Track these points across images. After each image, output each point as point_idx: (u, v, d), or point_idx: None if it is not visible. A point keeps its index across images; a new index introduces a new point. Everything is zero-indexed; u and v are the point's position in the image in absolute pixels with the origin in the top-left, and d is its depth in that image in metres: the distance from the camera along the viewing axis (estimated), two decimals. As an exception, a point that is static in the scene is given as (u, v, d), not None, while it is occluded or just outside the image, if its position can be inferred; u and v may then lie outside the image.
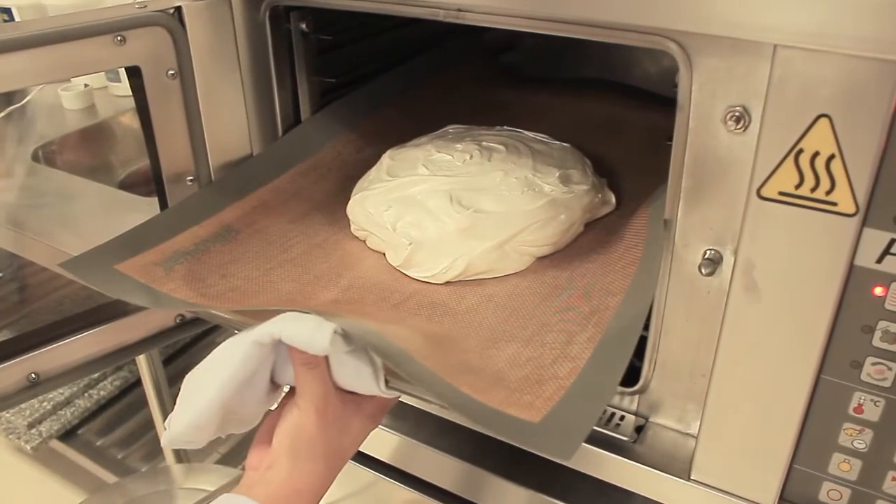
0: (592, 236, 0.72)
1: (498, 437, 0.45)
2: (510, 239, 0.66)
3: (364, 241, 0.72)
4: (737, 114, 0.46)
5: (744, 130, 0.46)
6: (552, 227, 0.68)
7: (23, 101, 1.30)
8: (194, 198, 0.71)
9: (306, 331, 0.50)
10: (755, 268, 0.47)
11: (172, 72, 0.65)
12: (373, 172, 0.75)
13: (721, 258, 0.51)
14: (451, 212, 0.67)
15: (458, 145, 0.75)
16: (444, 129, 0.82)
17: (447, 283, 0.66)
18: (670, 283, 0.54)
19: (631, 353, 0.52)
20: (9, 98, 1.29)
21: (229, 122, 0.71)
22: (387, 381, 0.52)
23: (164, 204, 0.70)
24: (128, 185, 1.17)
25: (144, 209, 0.86)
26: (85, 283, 0.61)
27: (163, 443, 0.54)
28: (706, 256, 0.51)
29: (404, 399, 0.61)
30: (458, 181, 0.70)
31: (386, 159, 0.76)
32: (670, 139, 0.51)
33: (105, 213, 1.00)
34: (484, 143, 0.76)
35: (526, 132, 0.81)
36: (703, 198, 0.50)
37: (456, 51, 1.05)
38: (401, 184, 0.70)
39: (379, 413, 0.57)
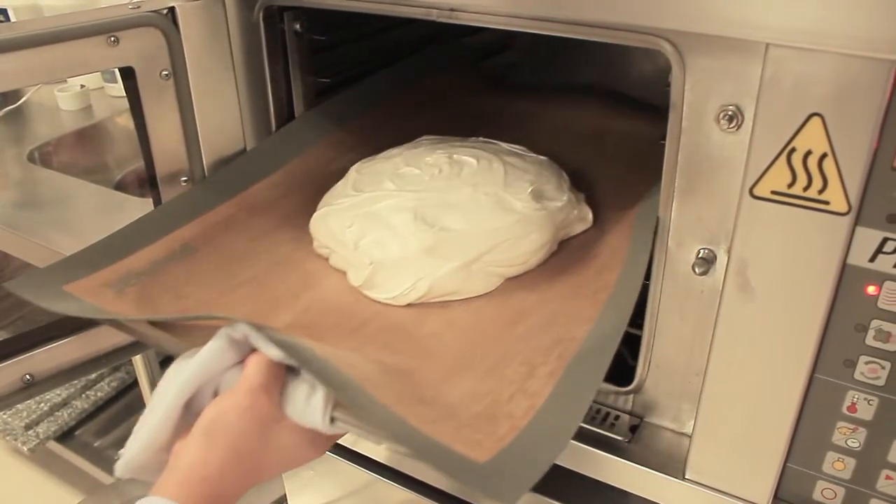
0: (566, 255, 0.68)
1: (440, 473, 0.43)
2: (476, 259, 0.63)
3: (327, 258, 0.68)
4: (730, 113, 0.46)
5: (737, 129, 0.46)
6: (522, 246, 0.64)
7: (19, 102, 1.30)
8: (153, 214, 0.67)
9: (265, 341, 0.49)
10: (748, 267, 0.47)
11: (166, 72, 0.65)
12: (339, 186, 0.72)
13: (715, 257, 0.51)
14: (415, 229, 0.63)
15: (427, 158, 0.71)
16: (418, 140, 0.78)
17: (410, 305, 0.63)
18: (664, 283, 0.54)
19: (593, 395, 0.50)
20: (4, 99, 1.29)
21: (223, 122, 0.71)
22: (332, 419, 0.48)
23: (158, 205, 0.69)
24: (124, 186, 1.16)
25: (140, 210, 0.85)
26: (34, 302, 0.57)
27: (117, 471, 0.49)
28: (700, 256, 0.51)
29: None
30: (424, 197, 0.65)
31: (353, 173, 0.72)
32: (663, 139, 0.51)
33: (101, 214, 0.99)
34: (455, 157, 0.71)
35: (502, 143, 0.77)
36: (697, 197, 0.50)
37: (437, 57, 1.02)
38: (365, 199, 0.66)
39: (322, 441, 0.51)
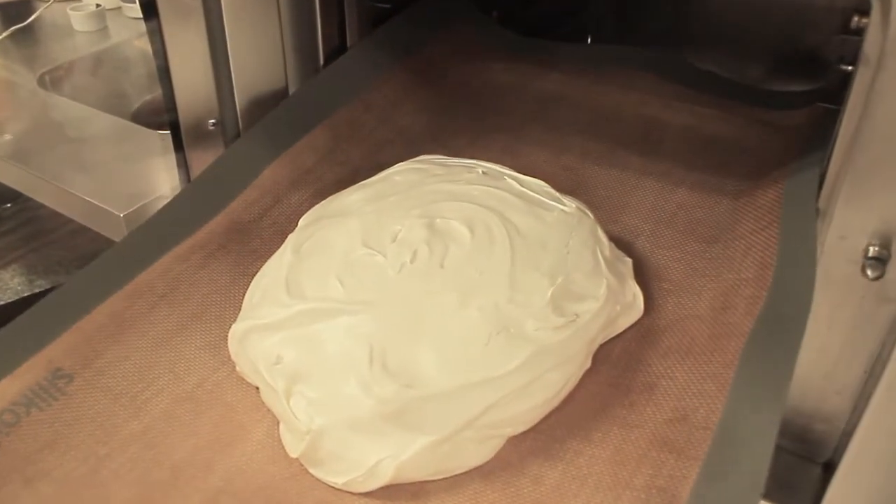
0: (604, 374, 0.45)
1: None
2: (464, 427, 0.41)
3: (256, 387, 0.47)
4: (945, 71, 0.35)
5: (953, 94, 0.35)
6: (533, 395, 0.42)
7: (28, 20, 1.22)
8: (21, 320, 0.46)
9: None
10: (959, 280, 0.36)
11: (193, -11, 0.55)
12: (272, 265, 0.50)
13: (889, 258, 0.40)
14: (370, 380, 0.41)
15: (397, 225, 0.48)
16: (391, 170, 0.56)
17: (370, 493, 0.41)
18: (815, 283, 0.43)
19: None
20: (13, 16, 1.21)
21: (261, 53, 0.61)
22: None
23: (180, 151, 0.60)
24: (142, 117, 1.09)
25: (158, 144, 0.79)
26: None
27: None
28: (870, 255, 0.41)
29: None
30: (386, 315, 0.43)
31: (288, 251, 0.49)
32: (827, 101, 0.40)
33: (116, 147, 0.92)
34: (438, 223, 0.48)
35: (514, 179, 0.53)
36: (879, 180, 0.39)
37: (438, 12, 0.78)
38: (300, 314, 0.45)
39: None
